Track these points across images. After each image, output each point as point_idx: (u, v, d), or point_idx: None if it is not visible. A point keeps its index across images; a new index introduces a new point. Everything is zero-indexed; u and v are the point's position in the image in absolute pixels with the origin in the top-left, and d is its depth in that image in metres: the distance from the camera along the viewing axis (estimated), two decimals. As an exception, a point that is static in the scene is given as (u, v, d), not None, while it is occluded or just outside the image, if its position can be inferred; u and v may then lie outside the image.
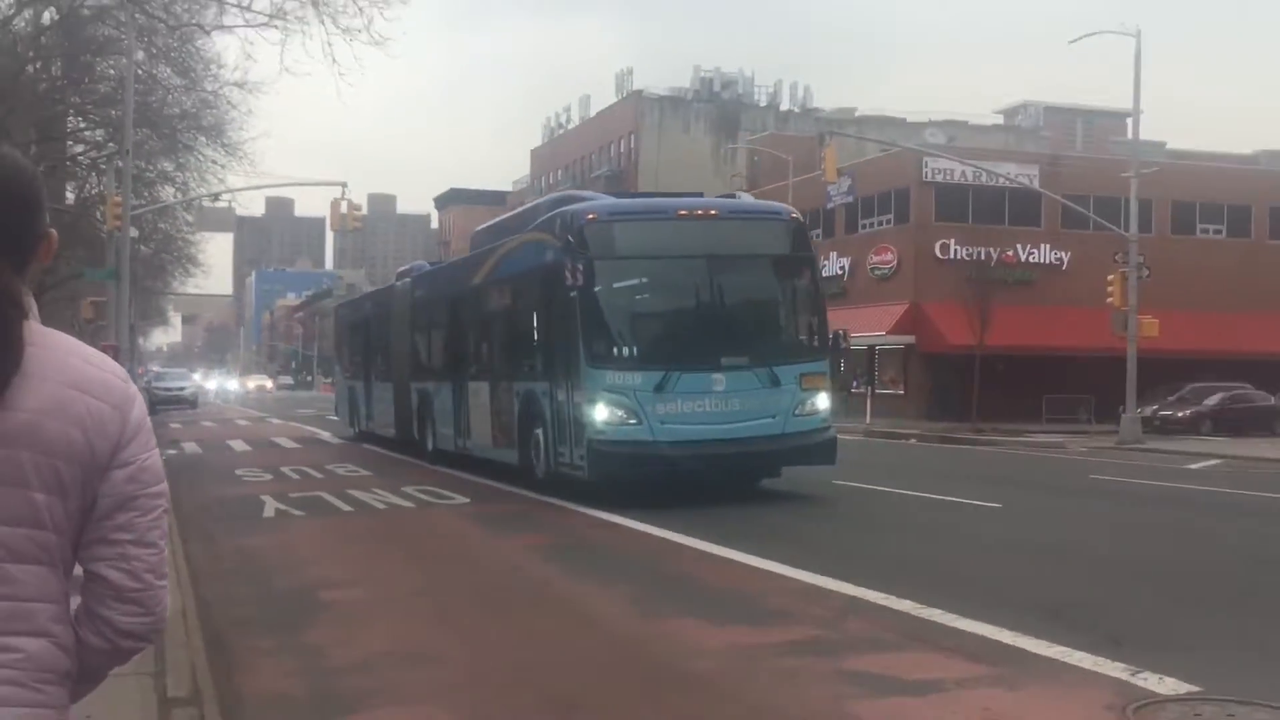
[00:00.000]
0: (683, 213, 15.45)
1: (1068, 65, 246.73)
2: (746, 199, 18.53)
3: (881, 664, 6.79)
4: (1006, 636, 7.21)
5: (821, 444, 14.81)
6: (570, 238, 14.60)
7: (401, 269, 27.38)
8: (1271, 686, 5.99)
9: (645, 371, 14.07)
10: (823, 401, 14.89)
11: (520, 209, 21.28)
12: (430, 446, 22.05)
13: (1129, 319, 31.59)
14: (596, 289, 14.37)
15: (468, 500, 15.72)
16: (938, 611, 7.96)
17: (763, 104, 76.33)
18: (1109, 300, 32.16)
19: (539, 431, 15.66)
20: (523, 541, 12.24)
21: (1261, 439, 30.79)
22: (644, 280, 15.28)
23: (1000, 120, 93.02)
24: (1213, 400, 36.77)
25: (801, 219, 16.40)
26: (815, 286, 15.77)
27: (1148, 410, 34.24)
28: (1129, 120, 43.78)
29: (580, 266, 14.05)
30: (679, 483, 14.37)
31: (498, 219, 22.70)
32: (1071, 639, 7.02)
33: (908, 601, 8.32)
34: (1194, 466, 23.55)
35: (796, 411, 14.52)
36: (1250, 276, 44.40)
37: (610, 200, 17.44)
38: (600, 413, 13.90)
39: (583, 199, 16.86)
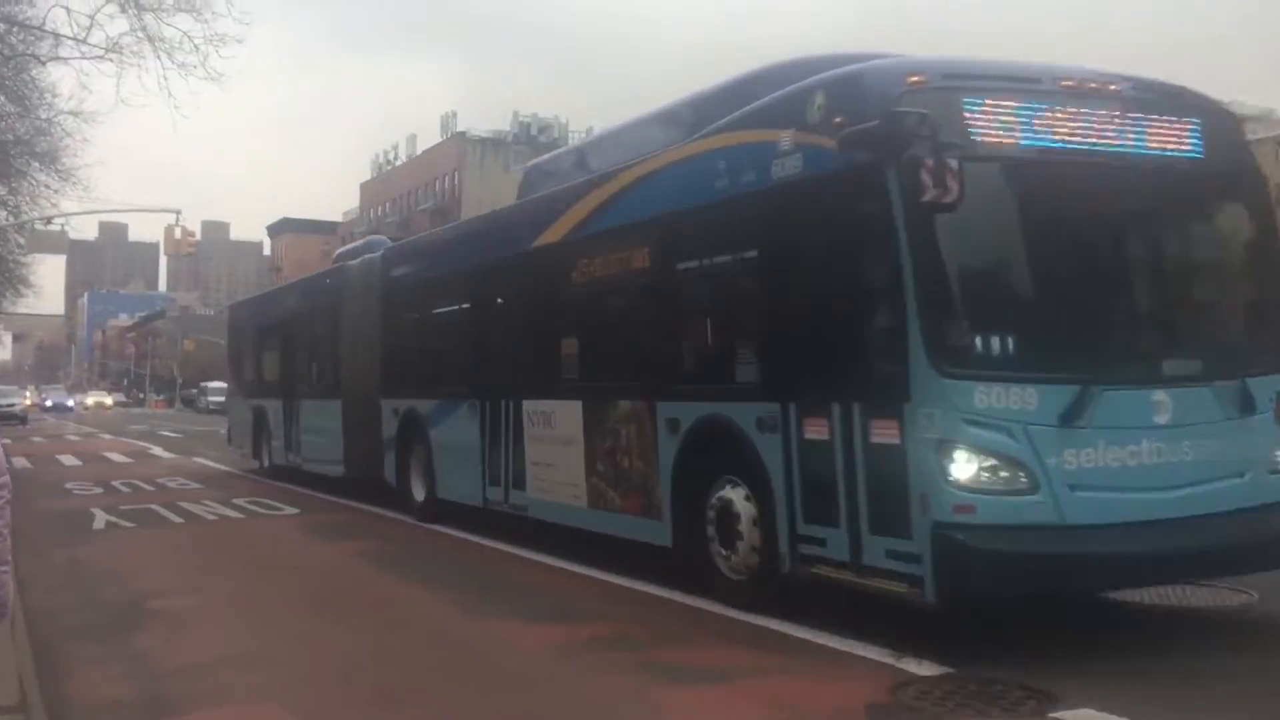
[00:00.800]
0: (1068, 83, 7.07)
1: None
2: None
3: (682, 656, 6.83)
4: (790, 629, 7.37)
5: None
6: (868, 124, 6.64)
7: (344, 249, 18.57)
8: (1008, 665, 6.30)
9: (1042, 386, 6.44)
10: None
11: (662, 108, 10.43)
12: (423, 496, 13.57)
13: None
14: (938, 223, 6.37)
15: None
16: (732, 610, 8.05)
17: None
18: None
19: (728, 492, 8.06)
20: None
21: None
22: (1018, 208, 6.95)
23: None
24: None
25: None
26: (1277, 232, 7.85)
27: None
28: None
29: (925, 172, 6.23)
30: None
31: (603, 131, 13.68)
32: (845, 630, 7.22)
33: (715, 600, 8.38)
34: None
35: (1275, 465, 7.10)
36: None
37: (917, 58, 7.54)
38: (963, 467, 6.31)
39: (848, 59, 7.87)
